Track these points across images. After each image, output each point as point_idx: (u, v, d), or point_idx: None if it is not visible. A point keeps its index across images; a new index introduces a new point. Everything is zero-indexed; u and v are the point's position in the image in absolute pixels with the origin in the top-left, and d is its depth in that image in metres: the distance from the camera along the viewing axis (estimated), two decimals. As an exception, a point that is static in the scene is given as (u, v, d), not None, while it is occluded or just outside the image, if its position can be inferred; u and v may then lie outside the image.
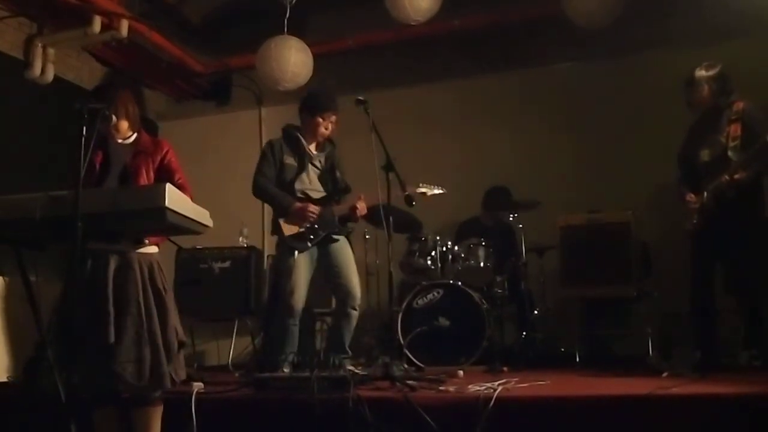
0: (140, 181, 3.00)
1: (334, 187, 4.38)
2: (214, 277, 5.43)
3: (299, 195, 4.26)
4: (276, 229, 4.25)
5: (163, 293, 2.89)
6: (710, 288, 4.10)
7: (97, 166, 2.97)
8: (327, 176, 4.39)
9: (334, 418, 2.98)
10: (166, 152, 3.12)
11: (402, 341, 4.36)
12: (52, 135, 5.09)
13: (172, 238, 3.47)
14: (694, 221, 4.09)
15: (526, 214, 5.20)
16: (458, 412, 2.91)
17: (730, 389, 2.91)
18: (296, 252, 4.15)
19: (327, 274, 4.29)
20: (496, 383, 3.17)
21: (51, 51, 5.61)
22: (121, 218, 2.53)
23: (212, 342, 5.97)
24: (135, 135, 3.13)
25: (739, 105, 4.03)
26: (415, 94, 6.31)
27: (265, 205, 6.23)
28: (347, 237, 4.40)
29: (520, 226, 5.16)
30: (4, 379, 4.22)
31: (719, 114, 4.09)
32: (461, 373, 3.86)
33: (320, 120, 4.26)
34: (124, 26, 5.55)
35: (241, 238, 5.81)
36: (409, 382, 3.31)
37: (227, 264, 5.52)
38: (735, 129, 3.97)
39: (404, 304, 4.62)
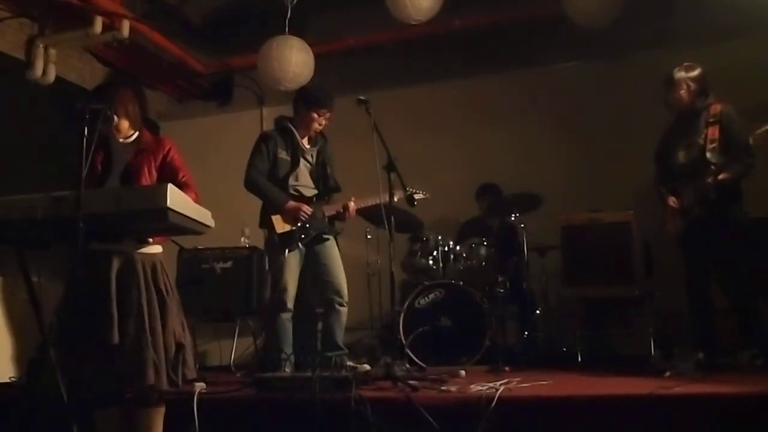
0: (142, 179, 3.00)
1: (325, 185, 4.39)
2: (216, 278, 5.43)
3: (292, 192, 4.27)
4: (266, 224, 4.27)
5: (165, 295, 2.88)
6: (706, 288, 4.13)
7: (99, 166, 2.97)
8: (318, 172, 4.40)
9: (336, 418, 2.98)
10: (169, 150, 3.11)
11: (404, 341, 4.36)
12: (54, 135, 5.09)
13: (174, 238, 3.47)
14: (679, 224, 4.13)
15: (527, 214, 5.20)
16: (460, 412, 2.91)
17: (732, 389, 2.90)
18: (287, 251, 4.16)
19: (314, 272, 4.31)
20: (498, 383, 3.17)
21: (52, 51, 5.62)
22: (123, 219, 2.53)
23: (214, 342, 5.97)
24: (136, 134, 3.13)
25: (717, 107, 4.06)
26: (416, 93, 6.32)
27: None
28: (335, 237, 4.42)
29: (522, 225, 5.16)
30: (7, 380, 4.22)
31: (696, 116, 4.12)
32: (463, 372, 3.86)
33: (315, 115, 4.27)
34: (126, 27, 5.56)
35: (242, 239, 5.80)
36: (411, 382, 3.31)
37: (229, 264, 5.52)
38: (713, 131, 4.01)
39: (406, 304, 4.61)
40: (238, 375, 4.55)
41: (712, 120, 4.04)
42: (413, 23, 5.33)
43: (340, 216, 4.33)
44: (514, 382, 3.29)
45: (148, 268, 2.85)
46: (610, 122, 5.59)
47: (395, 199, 4.12)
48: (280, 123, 4.40)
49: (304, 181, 4.34)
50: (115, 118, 3.00)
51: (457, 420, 2.88)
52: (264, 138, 4.35)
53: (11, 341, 4.75)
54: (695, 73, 4.15)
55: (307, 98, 4.33)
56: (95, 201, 2.47)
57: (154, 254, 2.94)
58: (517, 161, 5.86)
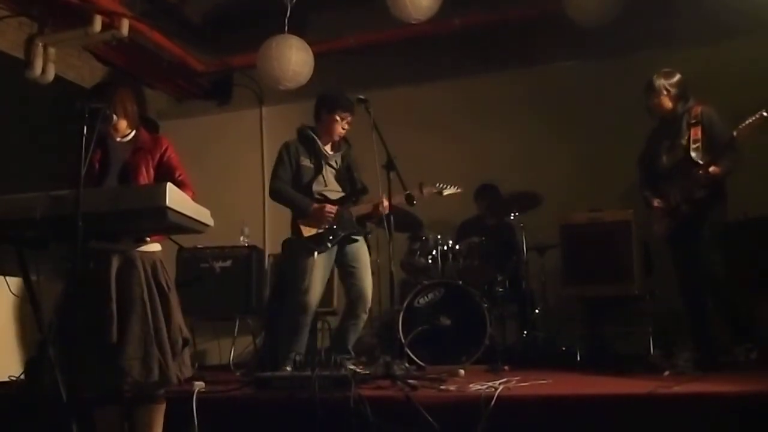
0: (140, 178, 3.00)
1: (352, 187, 4.41)
2: (215, 277, 5.43)
3: (317, 197, 4.28)
4: (295, 231, 4.28)
5: (167, 291, 2.89)
6: (698, 288, 4.16)
7: (97, 165, 2.97)
8: (344, 176, 4.42)
9: (336, 417, 2.98)
10: (166, 149, 3.12)
11: (403, 340, 4.36)
12: (53, 134, 5.09)
13: (173, 237, 3.47)
14: (666, 226, 4.17)
15: (527, 213, 5.20)
16: (459, 411, 2.92)
17: (731, 387, 2.90)
18: (316, 253, 4.17)
19: (342, 273, 4.36)
20: (498, 382, 3.17)
21: (52, 50, 5.61)
22: (122, 218, 2.53)
23: (213, 341, 5.97)
24: (133, 133, 3.13)
25: (697, 109, 4.12)
26: (416, 93, 6.32)
27: (266, 205, 6.29)
28: (366, 238, 4.43)
29: (521, 225, 5.17)
30: (6, 379, 4.22)
31: (678, 119, 4.18)
32: (462, 372, 3.86)
33: (338, 118, 4.28)
34: (125, 25, 5.55)
35: (242, 238, 5.81)
36: (411, 381, 3.31)
37: (228, 263, 5.52)
38: (695, 132, 4.07)
39: (405, 304, 4.61)
40: (238, 374, 4.55)
41: (693, 121, 4.10)
42: (413, 22, 5.33)
43: (374, 213, 4.29)
44: (514, 382, 3.29)
45: (148, 266, 2.86)
46: (609, 122, 5.59)
47: (423, 192, 4.37)
48: (302, 132, 4.41)
49: (330, 186, 4.35)
50: (114, 117, 3.00)
51: (456, 419, 2.88)
52: (286, 147, 4.36)
53: (10, 340, 4.75)
54: (674, 79, 4.20)
55: (327, 102, 4.33)
56: (94, 200, 2.46)
57: (154, 252, 2.94)
58: (516, 160, 5.86)
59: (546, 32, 5.79)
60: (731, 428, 2.69)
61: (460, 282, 4.72)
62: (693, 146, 4.04)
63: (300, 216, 4.26)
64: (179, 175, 3.06)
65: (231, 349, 5.47)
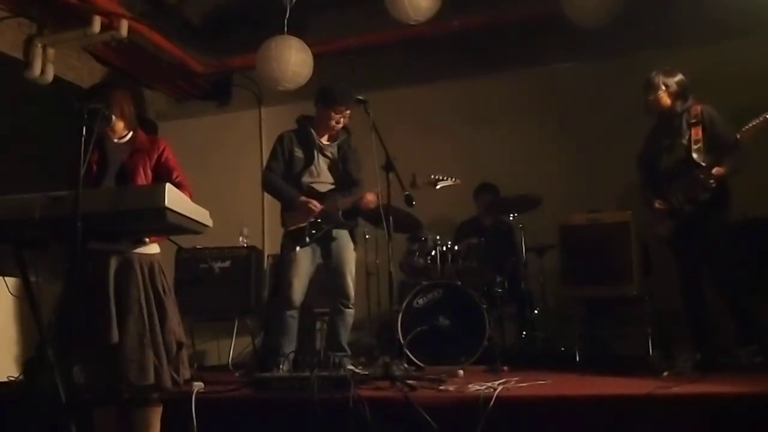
0: (137, 180, 3.00)
1: (344, 179, 4.40)
2: (214, 277, 5.43)
3: (306, 188, 4.28)
4: (283, 223, 4.31)
5: (162, 295, 2.89)
6: (698, 288, 4.16)
7: (94, 166, 2.97)
8: (338, 166, 4.42)
9: (335, 417, 2.98)
10: (163, 150, 3.12)
11: (402, 341, 4.36)
12: (52, 135, 5.08)
13: (172, 237, 3.47)
14: (668, 226, 4.15)
15: (525, 214, 5.20)
16: (458, 411, 2.92)
17: (730, 388, 2.91)
18: (297, 247, 4.17)
19: (326, 270, 4.34)
20: (497, 383, 3.17)
21: (51, 51, 5.62)
22: (121, 218, 2.53)
23: (212, 342, 5.97)
24: (131, 134, 3.13)
25: (697, 108, 4.10)
26: (415, 93, 6.32)
27: (265, 204, 6.28)
28: (351, 232, 4.41)
29: (520, 225, 5.16)
30: (5, 379, 4.21)
31: (677, 119, 4.16)
32: (461, 372, 3.86)
33: (333, 113, 4.29)
34: (124, 26, 5.55)
35: (241, 238, 5.81)
36: (410, 381, 3.31)
37: (227, 264, 5.52)
38: (696, 132, 4.05)
39: (404, 304, 4.61)
40: (237, 374, 4.55)
41: (693, 121, 4.08)
42: (412, 23, 5.33)
43: (360, 206, 4.30)
44: (513, 382, 3.29)
45: (146, 268, 2.86)
46: (609, 122, 5.59)
47: (417, 184, 4.27)
48: (300, 122, 4.44)
49: (321, 177, 4.36)
50: (113, 118, 3.00)
51: (455, 420, 2.88)
52: (280, 139, 4.40)
53: (9, 341, 4.75)
54: (674, 77, 4.18)
55: (324, 97, 4.34)
56: (93, 201, 2.47)
57: (152, 254, 2.94)
58: (515, 161, 5.86)
59: (545, 33, 5.79)
60: (730, 429, 2.69)
61: (459, 283, 4.71)
62: (694, 147, 4.02)
63: (288, 208, 4.27)
64: (176, 177, 3.06)
65: (230, 349, 5.47)
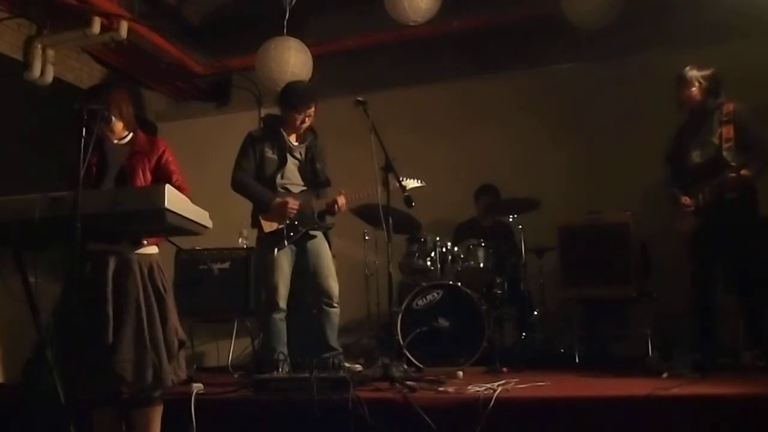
0: (137, 181, 2.99)
1: (314, 180, 4.37)
2: (214, 278, 5.41)
3: (280, 190, 4.25)
4: (255, 225, 4.25)
5: (163, 293, 2.89)
6: (713, 289, 4.11)
7: (94, 168, 2.97)
8: (307, 168, 4.36)
9: (334, 419, 2.98)
10: (163, 152, 3.11)
11: (401, 342, 4.36)
12: (52, 136, 5.08)
13: (171, 238, 3.47)
14: (691, 223, 4.10)
15: (525, 215, 5.20)
16: (458, 412, 2.92)
17: (729, 390, 2.91)
18: (276, 249, 4.14)
19: (304, 273, 4.28)
20: (496, 384, 3.17)
21: (50, 52, 5.61)
22: (120, 219, 2.53)
23: (211, 343, 5.96)
24: (131, 135, 3.12)
25: (730, 107, 4.05)
26: (414, 94, 6.31)
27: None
28: (326, 233, 4.39)
29: (520, 227, 5.16)
30: (3, 381, 4.21)
31: (709, 115, 4.11)
32: (461, 373, 3.86)
33: (296, 115, 4.24)
34: (124, 27, 5.55)
35: (240, 239, 5.79)
36: (409, 382, 3.31)
37: (226, 265, 5.51)
38: (728, 131, 3.99)
39: (404, 305, 4.61)
40: (236, 376, 4.54)
41: (725, 119, 4.02)
42: (411, 24, 5.33)
43: (331, 210, 4.30)
44: (512, 383, 3.29)
45: (145, 268, 2.86)
46: (608, 123, 5.59)
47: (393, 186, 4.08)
48: (268, 122, 4.41)
49: (292, 178, 4.31)
50: (112, 118, 3.00)
51: (454, 421, 2.88)
52: (250, 138, 4.33)
53: (7, 342, 4.74)
54: (707, 71, 4.14)
55: (284, 99, 4.31)
56: (92, 202, 2.47)
57: (151, 255, 2.94)
58: (515, 162, 5.86)
59: (544, 34, 5.80)
60: (730, 430, 2.69)
61: (459, 284, 4.71)
62: (725, 145, 3.96)
63: (261, 210, 4.21)
64: (176, 180, 3.05)
65: (229, 350, 5.46)
